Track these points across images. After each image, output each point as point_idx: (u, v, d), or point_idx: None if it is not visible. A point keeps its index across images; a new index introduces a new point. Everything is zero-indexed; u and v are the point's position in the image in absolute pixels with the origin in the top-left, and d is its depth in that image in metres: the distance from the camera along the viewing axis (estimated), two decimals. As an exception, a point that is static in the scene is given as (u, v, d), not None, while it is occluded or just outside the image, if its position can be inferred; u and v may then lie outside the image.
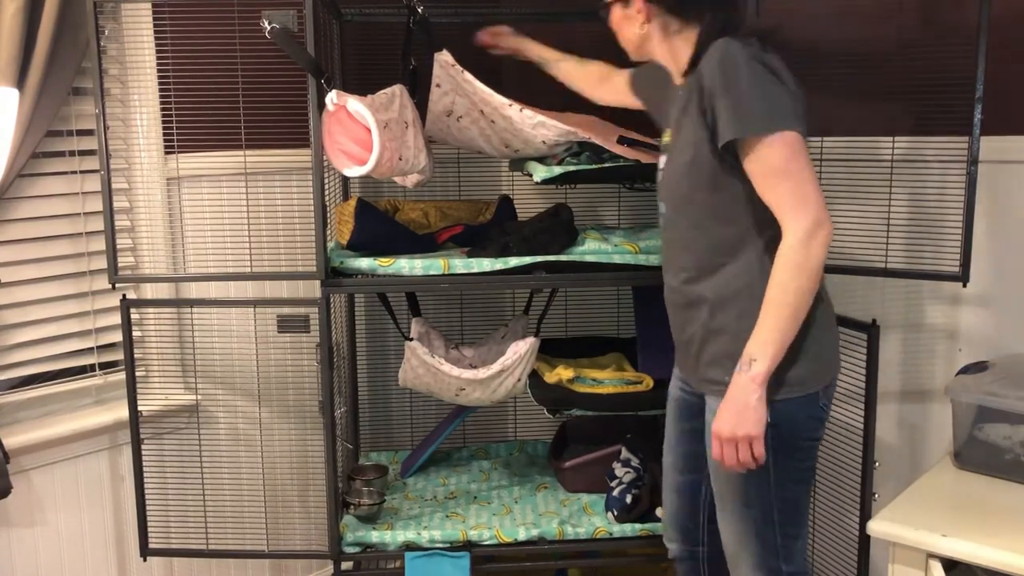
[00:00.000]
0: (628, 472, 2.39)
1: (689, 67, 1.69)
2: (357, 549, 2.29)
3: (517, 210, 2.55)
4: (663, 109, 1.87)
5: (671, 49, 1.74)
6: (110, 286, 2.17)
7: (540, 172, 2.20)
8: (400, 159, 2.08)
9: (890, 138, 2.17)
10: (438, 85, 2.21)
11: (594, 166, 2.22)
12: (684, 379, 1.89)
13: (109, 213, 2.10)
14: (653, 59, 1.80)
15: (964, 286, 2.02)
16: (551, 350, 2.48)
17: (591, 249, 2.25)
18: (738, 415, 1.59)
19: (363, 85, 2.71)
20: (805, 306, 1.58)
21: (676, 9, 1.70)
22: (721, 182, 1.64)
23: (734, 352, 1.63)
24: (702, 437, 1.80)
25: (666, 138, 1.82)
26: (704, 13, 1.68)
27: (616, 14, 1.78)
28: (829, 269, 2.02)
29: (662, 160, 1.81)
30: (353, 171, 1.96)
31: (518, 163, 2.39)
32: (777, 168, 1.55)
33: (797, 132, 1.55)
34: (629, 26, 1.76)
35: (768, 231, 1.62)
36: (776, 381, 1.62)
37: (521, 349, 2.27)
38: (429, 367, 2.28)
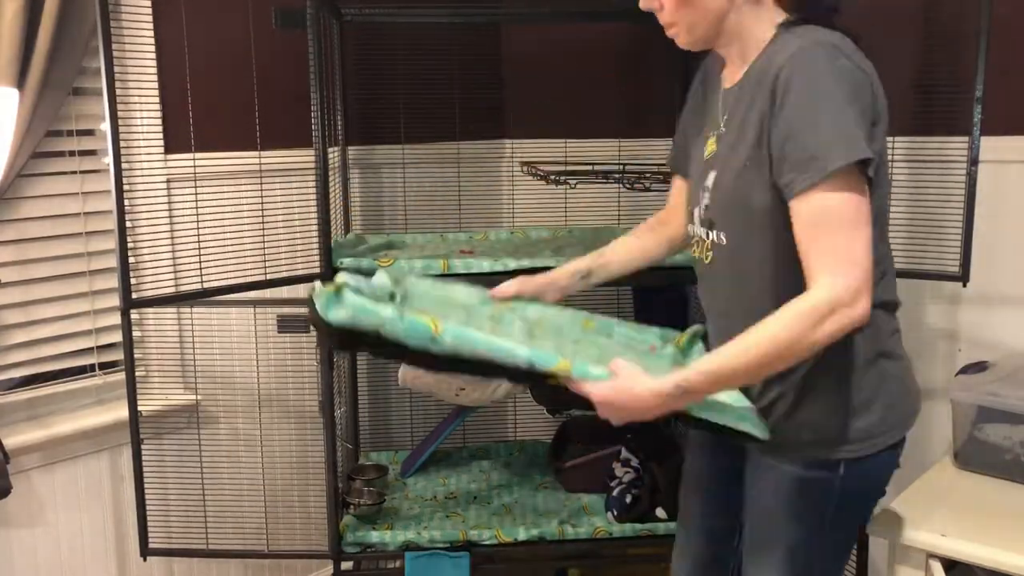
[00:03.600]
0: (628, 472, 2.39)
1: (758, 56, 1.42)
2: (357, 549, 2.29)
3: (517, 210, 2.55)
4: (702, 123, 1.58)
5: (748, 28, 1.43)
6: (122, 308, 2.09)
7: None
8: None
9: (890, 138, 2.17)
10: None
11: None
12: None
13: (122, 239, 2.00)
14: (714, 48, 1.50)
15: (964, 286, 2.01)
16: (551, 350, 2.48)
17: None
18: (627, 400, 1.34)
19: (363, 85, 2.73)
20: (777, 367, 1.31)
21: None
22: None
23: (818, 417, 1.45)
24: (741, 478, 1.59)
25: (710, 147, 1.52)
26: None
27: None
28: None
29: (709, 177, 1.49)
30: None
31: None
32: (831, 215, 1.29)
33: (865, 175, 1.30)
34: None
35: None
36: (854, 436, 1.45)
37: (521, 349, 2.27)
38: (429, 367, 2.28)
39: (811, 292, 1.27)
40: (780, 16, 1.43)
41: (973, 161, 1.95)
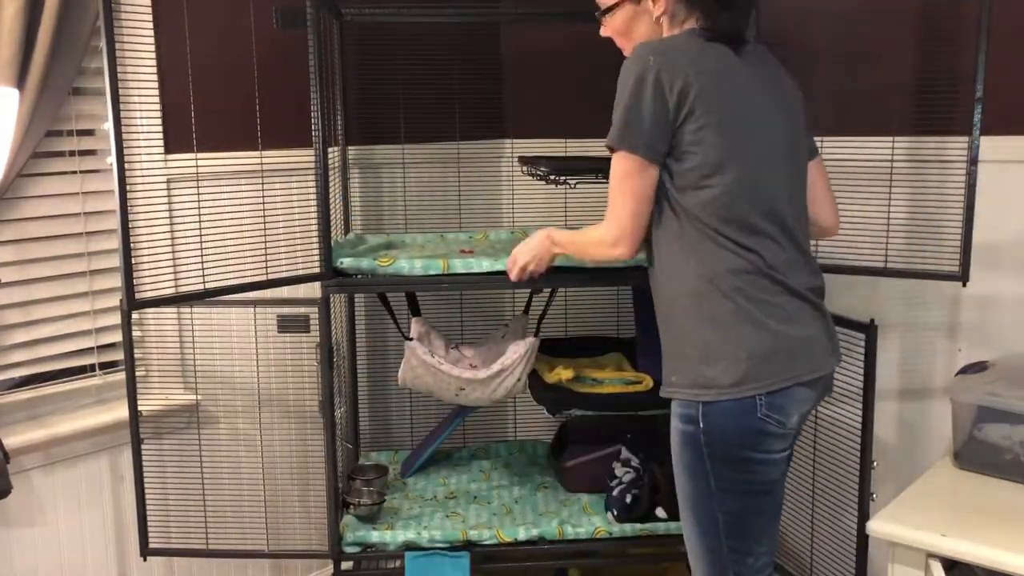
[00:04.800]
0: (628, 472, 2.39)
1: None
2: (357, 549, 2.29)
3: (517, 210, 2.55)
4: None
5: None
6: (125, 309, 2.10)
7: None
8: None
9: (890, 138, 2.17)
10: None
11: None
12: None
13: (125, 240, 1.99)
14: None
15: (964, 285, 2.01)
16: (551, 350, 2.48)
17: None
18: (523, 246, 2.04)
19: (363, 85, 2.73)
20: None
21: None
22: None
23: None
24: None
25: None
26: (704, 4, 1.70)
27: (622, 13, 1.78)
28: (830, 269, 2.03)
29: None
30: None
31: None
32: (612, 182, 1.70)
33: (637, 156, 1.64)
34: (638, 23, 1.78)
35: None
36: (697, 380, 1.67)
37: (521, 349, 2.27)
38: (429, 367, 2.28)
39: (599, 227, 1.75)
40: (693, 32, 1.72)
41: (973, 161, 1.96)
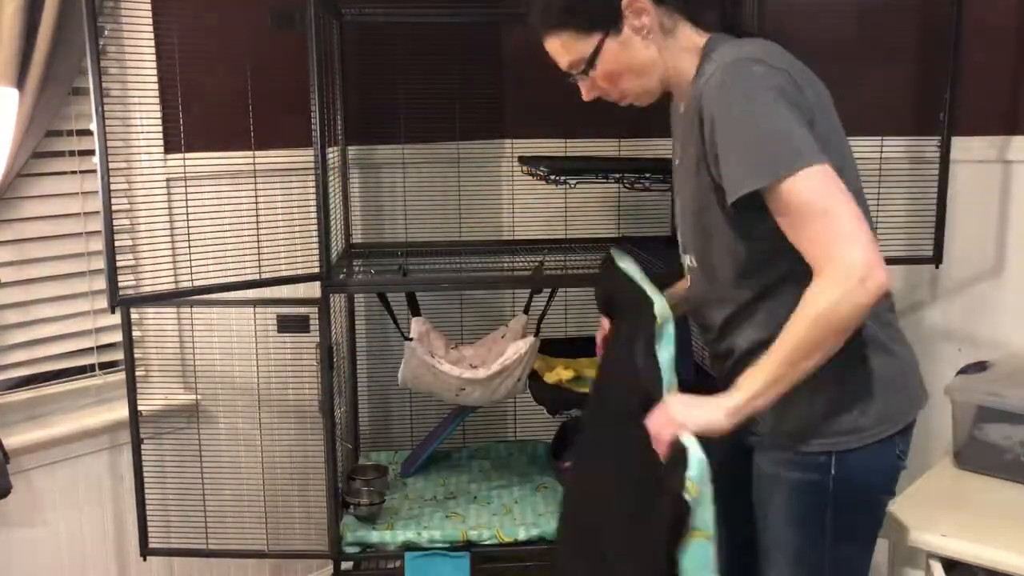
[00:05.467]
0: (628, 472, 2.39)
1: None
2: (357, 549, 2.29)
3: (517, 209, 2.55)
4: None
5: (675, 65, 1.48)
6: (110, 310, 2.05)
7: None
8: None
9: (878, 138, 2.18)
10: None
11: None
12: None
13: (109, 233, 1.97)
14: (670, 88, 1.53)
15: (936, 267, 2.12)
16: (551, 350, 2.48)
17: None
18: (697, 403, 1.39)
19: (363, 85, 2.73)
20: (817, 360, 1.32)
21: None
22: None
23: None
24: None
25: (675, 175, 1.61)
26: None
27: (609, 53, 1.47)
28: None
29: (678, 205, 1.58)
30: None
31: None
32: (809, 206, 1.30)
33: (818, 163, 1.30)
34: (631, 51, 1.47)
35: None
36: (831, 427, 1.44)
37: (521, 349, 2.27)
38: (429, 367, 2.28)
39: (822, 278, 1.28)
40: (701, 37, 1.47)
41: (944, 159, 2.10)
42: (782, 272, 1.40)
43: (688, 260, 1.57)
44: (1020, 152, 2.16)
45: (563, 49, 1.50)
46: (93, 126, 1.93)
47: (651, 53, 1.46)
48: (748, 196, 1.32)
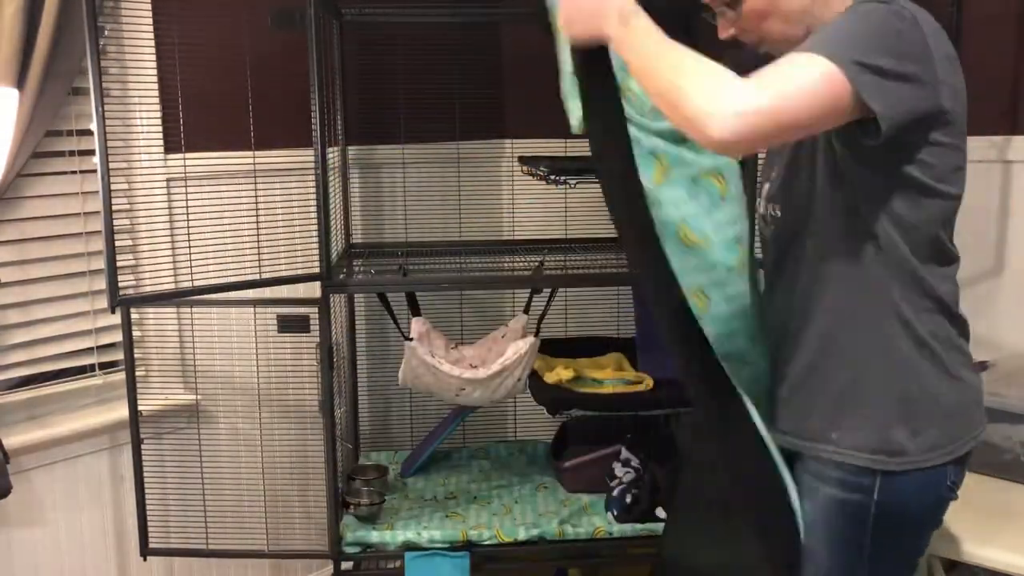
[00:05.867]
0: (628, 472, 2.39)
1: None
2: (357, 549, 2.29)
3: (517, 209, 2.55)
4: None
5: (823, 12, 1.36)
6: (110, 310, 2.07)
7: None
8: None
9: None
10: None
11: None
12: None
13: (110, 233, 1.98)
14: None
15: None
16: (551, 350, 2.48)
17: None
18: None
19: (363, 85, 2.72)
20: (669, 80, 1.21)
21: None
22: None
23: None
24: None
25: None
26: None
27: None
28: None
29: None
30: None
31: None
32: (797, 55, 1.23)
33: (856, 89, 1.19)
34: None
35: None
36: (881, 444, 1.37)
37: (521, 349, 2.27)
38: (429, 367, 2.28)
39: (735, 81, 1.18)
40: None
41: None
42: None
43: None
44: (1020, 152, 2.16)
45: None
46: (93, 126, 1.94)
47: (804, 2, 1.36)
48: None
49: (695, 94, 1.17)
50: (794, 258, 1.43)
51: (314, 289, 2.18)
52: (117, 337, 2.40)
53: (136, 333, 2.39)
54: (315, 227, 2.15)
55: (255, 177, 2.34)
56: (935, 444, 1.36)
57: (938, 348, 1.36)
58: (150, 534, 2.27)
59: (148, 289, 2.31)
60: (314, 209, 2.14)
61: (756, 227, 1.56)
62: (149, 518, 2.27)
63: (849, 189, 1.33)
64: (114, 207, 2.21)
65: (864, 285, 1.35)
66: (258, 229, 2.36)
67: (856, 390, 1.38)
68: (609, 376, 2.38)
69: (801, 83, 1.19)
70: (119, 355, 2.38)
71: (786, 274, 1.46)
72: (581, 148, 2.78)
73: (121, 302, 2.06)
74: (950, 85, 1.28)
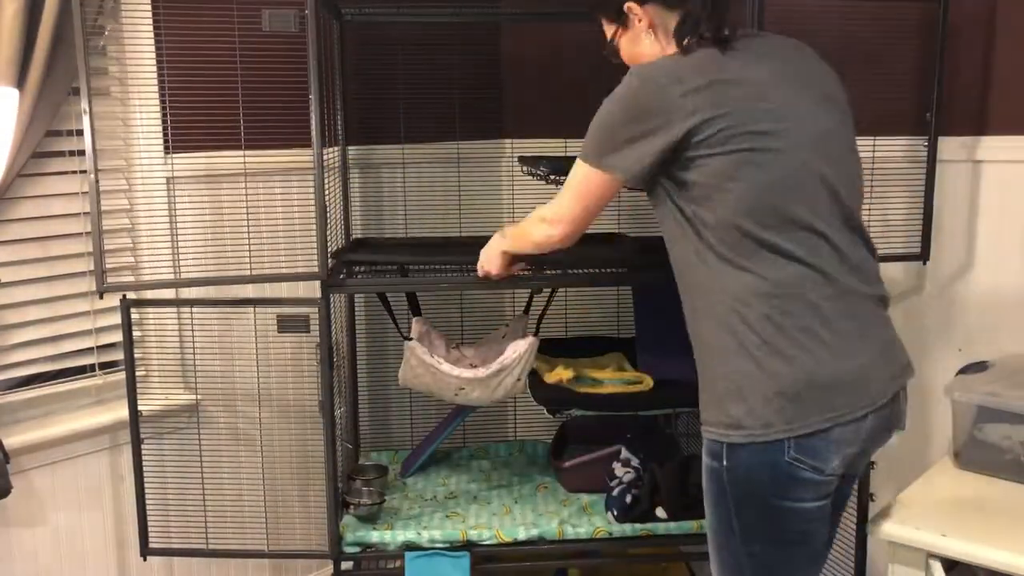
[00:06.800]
0: (628, 472, 2.39)
1: None
2: (357, 549, 2.29)
3: (517, 209, 2.55)
4: None
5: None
6: (98, 295, 2.11)
7: None
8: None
9: (871, 138, 2.19)
10: None
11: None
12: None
13: (97, 217, 2.03)
14: None
15: (924, 264, 2.17)
16: (551, 350, 2.48)
17: None
18: (486, 248, 2.01)
19: (363, 85, 2.72)
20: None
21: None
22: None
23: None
24: None
25: None
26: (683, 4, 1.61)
27: (624, 43, 1.73)
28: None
29: None
30: None
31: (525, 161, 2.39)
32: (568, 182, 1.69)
33: (608, 173, 1.61)
34: (644, 43, 1.70)
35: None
36: (722, 419, 1.55)
37: (521, 348, 2.27)
38: (429, 367, 2.28)
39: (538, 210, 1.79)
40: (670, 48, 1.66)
41: (932, 158, 2.17)
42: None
43: None
44: (989, 152, 2.18)
45: None
46: (84, 124, 1.93)
47: (653, 49, 1.68)
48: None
49: (534, 235, 1.83)
50: (674, 271, 1.67)
51: (314, 289, 2.18)
52: (117, 337, 2.40)
53: (136, 333, 2.39)
54: (315, 227, 2.15)
55: (245, 177, 2.34)
56: (769, 421, 1.50)
57: (770, 332, 1.50)
58: (150, 534, 2.27)
59: (146, 278, 2.31)
60: (314, 209, 2.14)
61: None
62: (149, 518, 2.27)
63: (661, 209, 1.62)
64: (114, 207, 2.22)
65: (698, 283, 1.59)
66: (256, 229, 2.36)
67: (708, 375, 1.60)
68: (609, 376, 2.38)
69: (576, 190, 1.68)
70: (119, 355, 2.38)
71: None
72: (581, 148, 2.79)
73: (109, 289, 2.08)
74: (709, 106, 1.50)
